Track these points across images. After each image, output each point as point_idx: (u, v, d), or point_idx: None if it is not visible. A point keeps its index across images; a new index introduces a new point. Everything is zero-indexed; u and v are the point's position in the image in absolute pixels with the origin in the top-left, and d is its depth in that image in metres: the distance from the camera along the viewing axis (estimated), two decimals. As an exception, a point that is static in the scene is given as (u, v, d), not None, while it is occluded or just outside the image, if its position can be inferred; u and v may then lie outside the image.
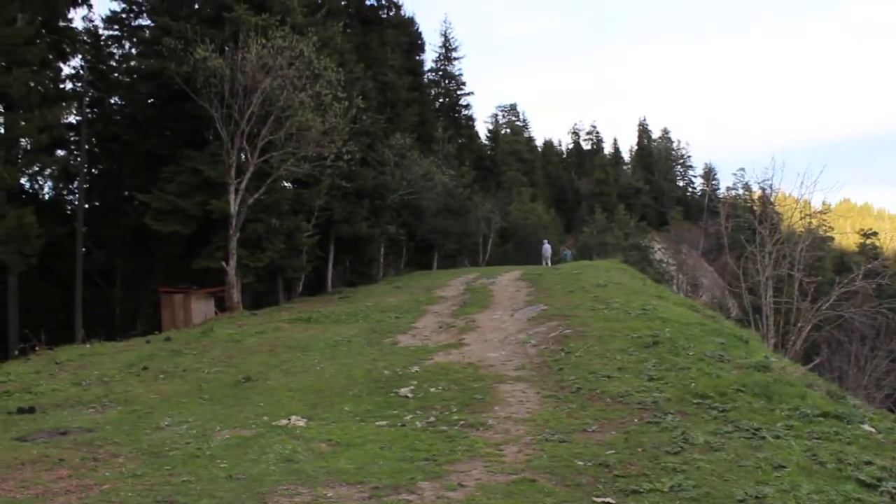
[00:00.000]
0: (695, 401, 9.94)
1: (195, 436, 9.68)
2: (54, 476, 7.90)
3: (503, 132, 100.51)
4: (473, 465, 7.95)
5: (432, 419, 10.11)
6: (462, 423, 9.83)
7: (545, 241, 51.61)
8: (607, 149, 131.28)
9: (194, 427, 10.20)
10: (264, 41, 28.61)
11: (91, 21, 41.79)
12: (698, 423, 8.97)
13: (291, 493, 7.22)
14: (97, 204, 39.27)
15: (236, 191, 29.15)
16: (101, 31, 39.44)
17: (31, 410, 11.75)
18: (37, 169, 33.75)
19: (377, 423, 10.01)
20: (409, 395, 11.64)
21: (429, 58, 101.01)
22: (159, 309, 30.46)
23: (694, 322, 16.44)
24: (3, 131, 27.71)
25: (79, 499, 7.14)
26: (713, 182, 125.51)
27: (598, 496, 6.83)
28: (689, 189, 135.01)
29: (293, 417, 10.30)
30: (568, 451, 8.19)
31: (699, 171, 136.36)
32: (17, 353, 24.21)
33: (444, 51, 72.65)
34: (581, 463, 7.75)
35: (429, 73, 69.90)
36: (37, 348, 20.36)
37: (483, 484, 7.29)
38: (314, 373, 14.16)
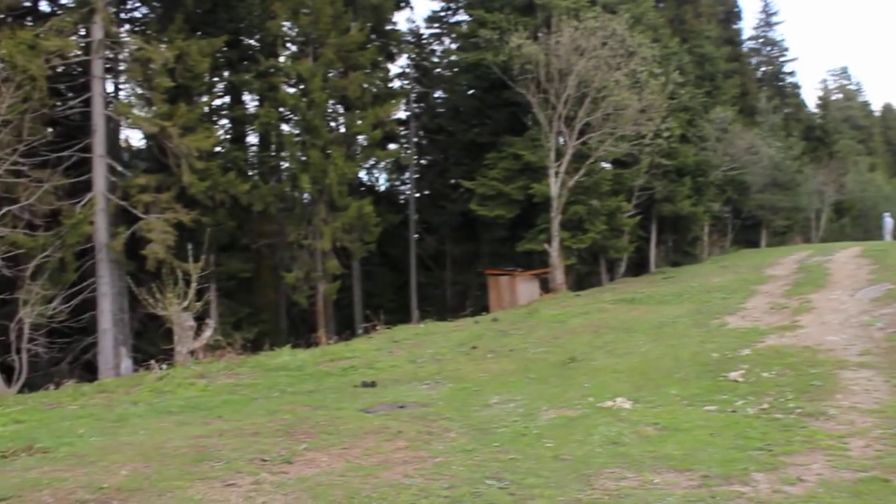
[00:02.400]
0: None
1: (522, 414, 9.81)
2: (393, 446, 8.36)
3: (834, 98, 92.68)
4: (813, 458, 7.26)
5: (765, 406, 9.45)
6: (799, 411, 9.07)
7: (887, 214, 46.82)
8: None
9: (521, 406, 10.35)
10: (576, 23, 28.55)
11: (414, 22, 44.48)
12: None
13: (617, 476, 7.05)
14: (427, 192, 41.59)
15: (556, 174, 29.42)
16: (423, 31, 41.76)
17: (373, 385, 12.59)
18: (372, 163, 36.41)
19: (705, 408, 9.55)
20: (740, 379, 10.99)
21: (747, 25, 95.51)
22: (486, 290, 31.62)
23: None
24: (343, 130, 30.13)
25: (415, 469, 7.48)
26: None
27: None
28: None
29: (618, 399, 10.11)
30: (930, 445, 7.27)
31: None
32: (361, 331, 26.27)
33: (763, 16, 68.29)
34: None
35: (748, 42, 66.19)
36: (377, 327, 21.85)
37: (825, 480, 6.62)
38: (639, 354, 13.88)
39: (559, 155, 29.82)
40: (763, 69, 66.92)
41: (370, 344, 18.36)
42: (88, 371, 23.76)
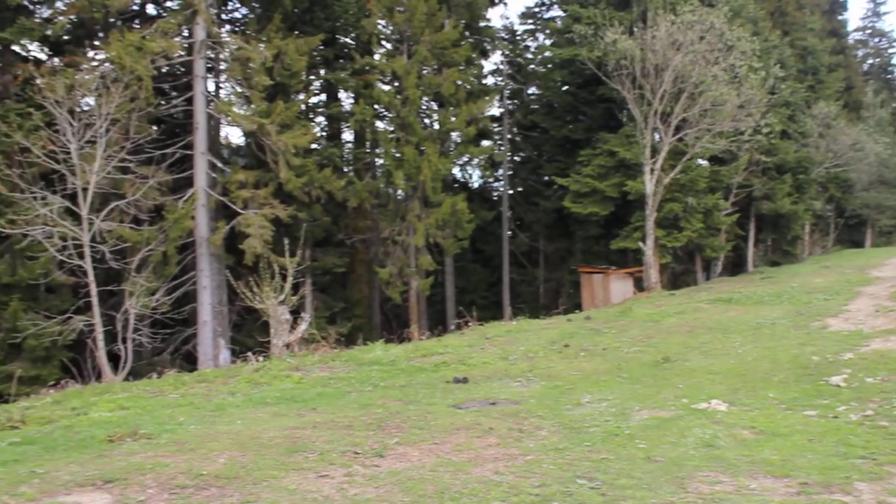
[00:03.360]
0: None
1: (614, 414, 9.70)
2: (484, 443, 8.38)
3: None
4: (922, 467, 7.00)
5: (869, 412, 9.10)
6: (906, 418, 8.74)
7: None
8: None
9: (613, 405, 10.24)
10: (673, 17, 28.02)
11: (507, 18, 44.40)
12: None
13: (712, 480, 6.91)
14: (520, 189, 41.53)
15: (651, 170, 28.95)
16: (516, 27, 41.68)
17: (465, 381, 12.62)
18: (466, 159, 36.47)
19: (805, 413, 9.26)
20: (842, 384, 10.61)
21: (853, 16, 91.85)
22: (579, 288, 31.39)
23: None
24: (437, 127, 30.30)
25: (505, 466, 7.49)
26: None
27: None
28: None
29: (713, 401, 9.90)
30: None
31: None
32: (453, 327, 26.40)
33: (871, 6, 66.03)
34: None
35: (854, 34, 63.94)
36: (469, 323, 21.89)
37: (936, 490, 6.38)
38: (735, 356, 13.55)
39: (654, 151, 29.34)
40: (870, 62, 64.61)
41: (462, 340, 18.41)
42: (188, 361, 24.53)
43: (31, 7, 25.62)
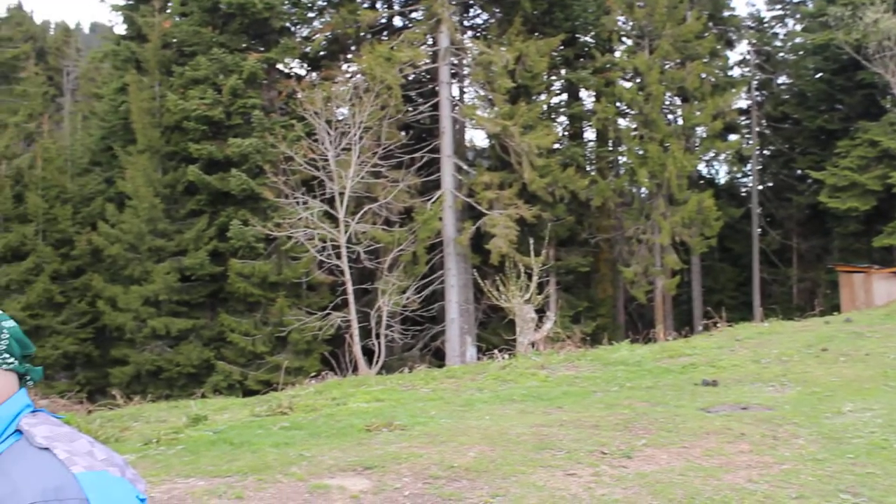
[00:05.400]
0: None
1: (881, 425, 9.00)
2: (735, 449, 8.08)
3: None
4: None
5: None
6: None
7: None
8: None
9: (879, 416, 9.51)
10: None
11: (753, 5, 42.39)
12: None
13: None
14: (770, 184, 39.59)
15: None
16: (763, 14, 39.68)
17: (714, 383, 12.22)
18: (712, 155, 35.25)
19: None
20: None
21: None
22: (837, 289, 29.41)
23: None
24: (681, 122, 29.53)
25: (759, 474, 7.18)
26: None
27: None
28: None
29: None
30: None
31: None
32: (700, 328, 25.61)
33: None
34: None
35: None
36: (718, 324, 21.17)
37: None
38: None
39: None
40: None
41: (711, 341, 17.82)
42: (437, 357, 25.48)
43: (292, 28, 27.71)
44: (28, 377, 1.68)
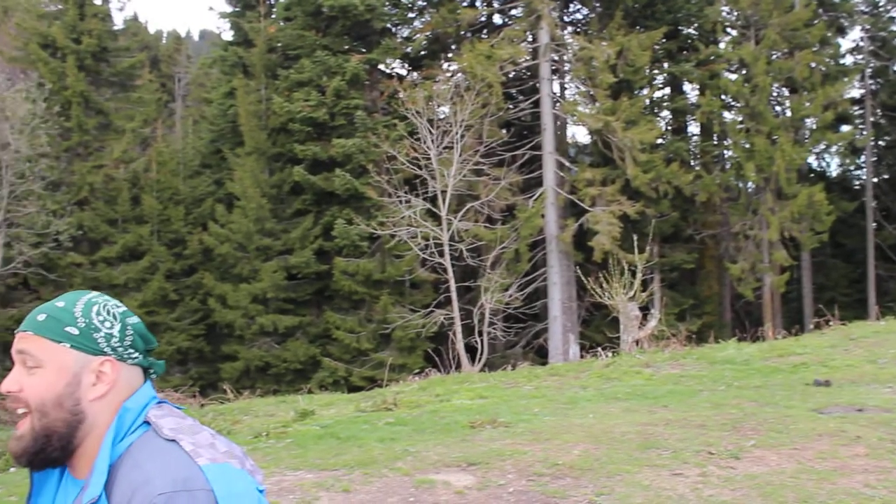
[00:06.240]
0: None
1: None
2: (851, 452, 7.83)
3: None
4: None
5: None
6: None
7: None
8: None
9: None
10: None
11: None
12: None
13: None
14: (885, 177, 38.04)
15: None
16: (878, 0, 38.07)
17: (827, 384, 11.85)
18: (822, 147, 34.08)
19: None
20: None
21: None
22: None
23: None
24: (789, 114, 28.67)
25: (877, 479, 6.95)
26: None
27: None
28: None
29: None
30: None
31: None
32: (811, 326, 24.82)
33: None
34: None
35: None
36: (830, 322, 20.50)
37: None
38: None
39: None
40: None
41: (822, 340, 17.27)
42: (539, 355, 25.43)
43: (393, 29, 28.09)
44: (151, 370, 1.79)
